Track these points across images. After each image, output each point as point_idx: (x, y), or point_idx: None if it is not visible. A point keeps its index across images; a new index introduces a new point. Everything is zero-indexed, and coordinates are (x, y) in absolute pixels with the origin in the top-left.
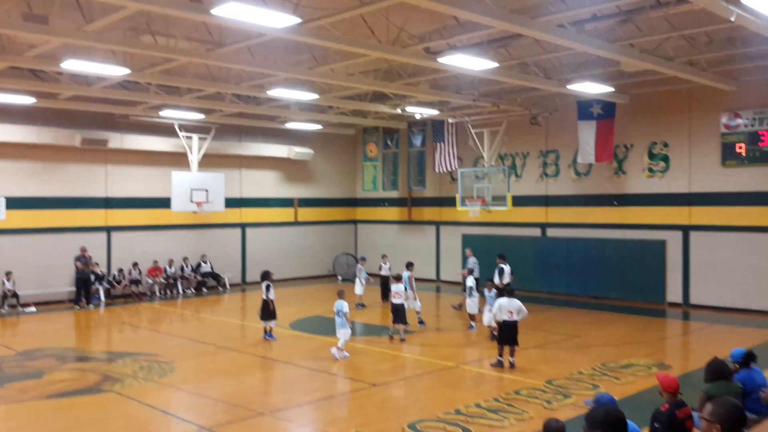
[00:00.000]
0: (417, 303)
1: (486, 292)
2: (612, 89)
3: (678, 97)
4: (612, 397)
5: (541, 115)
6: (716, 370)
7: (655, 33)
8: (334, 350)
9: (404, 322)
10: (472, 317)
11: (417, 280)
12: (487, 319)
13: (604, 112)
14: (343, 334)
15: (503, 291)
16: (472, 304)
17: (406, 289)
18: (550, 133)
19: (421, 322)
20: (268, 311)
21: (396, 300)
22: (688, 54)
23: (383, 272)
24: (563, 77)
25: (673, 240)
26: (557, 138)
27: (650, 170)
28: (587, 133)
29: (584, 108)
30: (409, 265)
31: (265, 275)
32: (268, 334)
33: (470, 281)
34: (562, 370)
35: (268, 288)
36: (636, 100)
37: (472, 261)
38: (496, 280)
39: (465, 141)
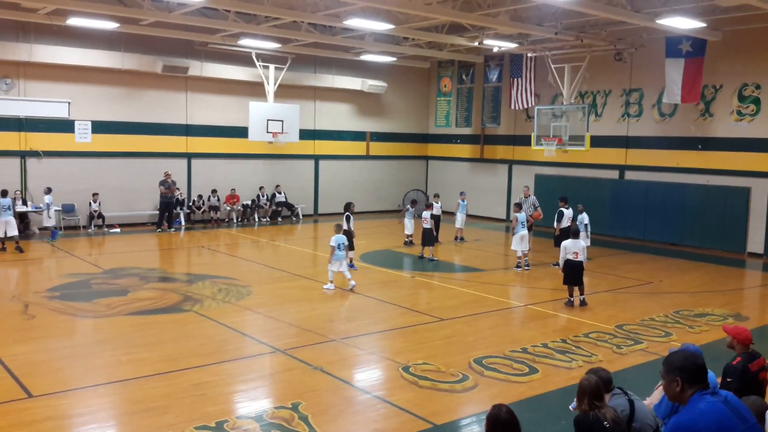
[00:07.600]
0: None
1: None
2: (704, 25)
3: None
4: (698, 348)
5: (626, 51)
6: None
7: None
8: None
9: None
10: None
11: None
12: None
13: (693, 50)
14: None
15: (563, 234)
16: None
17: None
18: (634, 70)
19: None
20: (349, 242)
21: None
22: None
23: (435, 211)
24: (652, 11)
25: (759, 188)
26: (642, 76)
27: (739, 113)
28: (674, 72)
29: (673, 45)
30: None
31: (347, 207)
32: (349, 264)
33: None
34: (634, 315)
35: (348, 219)
36: (728, 38)
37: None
38: (555, 224)
39: (543, 77)
